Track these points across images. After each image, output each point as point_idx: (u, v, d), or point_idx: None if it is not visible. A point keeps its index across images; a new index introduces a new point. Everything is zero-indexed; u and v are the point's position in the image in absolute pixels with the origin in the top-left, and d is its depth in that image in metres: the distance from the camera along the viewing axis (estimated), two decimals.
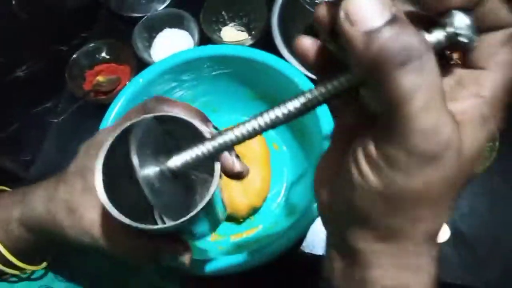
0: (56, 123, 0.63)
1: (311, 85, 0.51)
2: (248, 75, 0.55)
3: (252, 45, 0.67)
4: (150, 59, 0.65)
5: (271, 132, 0.60)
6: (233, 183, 0.53)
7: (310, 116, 0.50)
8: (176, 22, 0.67)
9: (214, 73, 0.55)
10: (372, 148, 0.18)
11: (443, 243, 0.54)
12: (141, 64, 0.64)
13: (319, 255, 0.54)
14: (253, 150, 0.56)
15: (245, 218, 0.55)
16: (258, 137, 0.57)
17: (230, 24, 0.70)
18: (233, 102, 0.60)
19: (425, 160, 0.17)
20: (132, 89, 0.51)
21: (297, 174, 0.57)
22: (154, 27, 0.67)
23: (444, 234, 0.45)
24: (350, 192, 0.20)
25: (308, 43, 0.22)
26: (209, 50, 0.53)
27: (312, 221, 0.44)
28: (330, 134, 0.48)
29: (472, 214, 0.56)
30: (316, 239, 0.55)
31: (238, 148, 0.56)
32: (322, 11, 0.20)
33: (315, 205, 0.44)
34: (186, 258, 0.30)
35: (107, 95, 0.63)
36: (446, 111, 0.17)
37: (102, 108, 0.65)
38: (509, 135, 0.58)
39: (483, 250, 0.54)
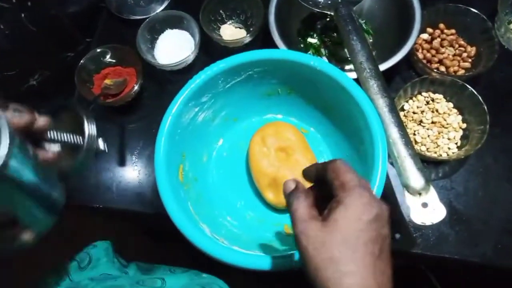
0: None
1: (318, 59, 0.55)
2: (258, 76, 0.58)
3: (251, 42, 0.70)
4: (154, 60, 0.68)
5: (293, 120, 0.64)
6: (291, 175, 0.56)
7: (345, 99, 0.54)
8: (176, 23, 0.70)
9: (227, 86, 0.57)
10: None
11: (440, 221, 0.57)
12: (146, 65, 0.67)
13: None
14: (289, 139, 0.59)
15: None
16: (289, 127, 0.61)
17: (228, 22, 0.73)
18: (249, 106, 0.63)
19: None
20: (167, 125, 0.52)
21: (337, 150, 0.61)
22: (156, 29, 0.70)
23: (440, 214, 0.49)
24: None
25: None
26: (222, 65, 0.55)
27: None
28: None
29: (466, 193, 0.59)
30: None
31: (276, 143, 0.59)
32: None
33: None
34: (27, 236, 0.34)
35: (116, 97, 0.66)
36: None
37: (112, 111, 0.69)
38: (499, 119, 0.62)
39: (477, 226, 0.57)
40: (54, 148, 0.36)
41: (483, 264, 0.56)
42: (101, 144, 0.40)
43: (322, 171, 0.37)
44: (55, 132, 0.36)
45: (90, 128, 0.38)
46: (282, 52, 0.57)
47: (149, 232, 1.04)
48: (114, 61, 0.68)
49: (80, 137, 0.37)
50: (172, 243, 0.63)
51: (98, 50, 0.66)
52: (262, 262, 0.46)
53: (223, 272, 0.64)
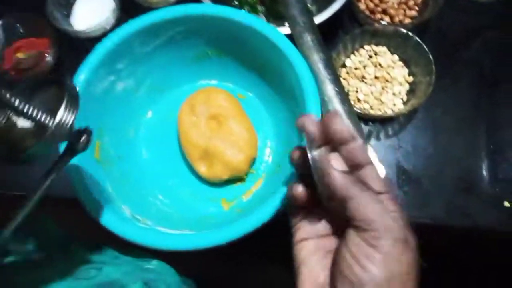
0: None
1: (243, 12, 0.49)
2: (181, 37, 0.52)
3: (178, 2, 0.63)
4: (71, 28, 0.61)
5: (229, 85, 0.58)
6: (222, 145, 0.51)
7: (277, 57, 0.48)
8: None
9: (147, 50, 0.51)
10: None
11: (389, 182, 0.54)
12: (62, 35, 0.60)
13: None
14: (221, 106, 0.54)
15: (247, 173, 0.54)
16: (220, 92, 0.56)
17: None
18: (178, 73, 0.57)
19: None
20: None
21: (276, 116, 0.56)
22: None
23: (380, 174, 0.44)
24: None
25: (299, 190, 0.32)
26: (135, 24, 0.48)
27: None
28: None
29: (415, 151, 0.55)
30: None
31: (206, 112, 0.54)
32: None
33: None
34: None
35: (30, 71, 0.59)
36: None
37: None
38: (448, 69, 0.57)
39: (427, 186, 0.54)
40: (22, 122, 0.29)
41: (435, 225, 0.53)
42: (83, 138, 0.33)
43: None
44: (26, 105, 0.28)
45: (65, 114, 0.29)
46: (202, 6, 0.51)
47: None
48: (25, 32, 0.60)
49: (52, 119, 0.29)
50: None
51: (4, 20, 0.59)
52: (192, 240, 0.41)
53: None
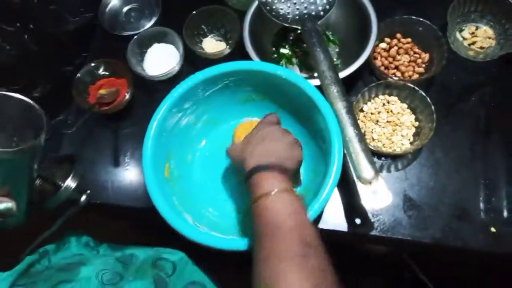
0: (68, 134, 0.75)
1: (284, 69, 0.63)
2: (233, 85, 0.66)
3: (231, 53, 0.78)
4: (143, 71, 0.76)
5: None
6: None
7: (308, 104, 0.62)
8: (163, 38, 0.78)
9: (207, 93, 0.66)
10: None
11: (395, 208, 0.65)
12: (136, 76, 0.75)
13: (332, 230, 0.66)
14: None
15: None
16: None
17: (210, 36, 0.81)
18: (228, 111, 0.71)
19: None
20: (153, 129, 0.61)
21: (306, 149, 0.64)
22: (144, 43, 0.78)
23: (388, 199, 0.56)
24: None
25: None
26: (199, 76, 0.63)
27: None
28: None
29: (419, 183, 0.67)
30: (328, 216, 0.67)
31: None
32: None
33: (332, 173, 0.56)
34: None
35: (109, 105, 0.74)
36: None
37: (107, 118, 0.77)
38: (449, 118, 0.70)
39: (428, 212, 0.65)
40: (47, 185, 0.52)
41: (433, 244, 0.64)
42: (83, 198, 0.55)
43: None
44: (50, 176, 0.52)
45: (70, 182, 0.53)
46: (251, 63, 0.65)
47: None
48: (107, 73, 0.76)
49: (63, 184, 0.53)
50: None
51: (92, 64, 0.75)
52: (236, 243, 0.54)
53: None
